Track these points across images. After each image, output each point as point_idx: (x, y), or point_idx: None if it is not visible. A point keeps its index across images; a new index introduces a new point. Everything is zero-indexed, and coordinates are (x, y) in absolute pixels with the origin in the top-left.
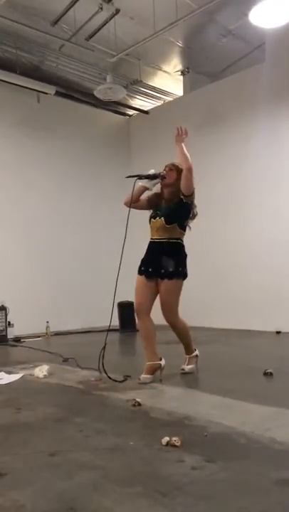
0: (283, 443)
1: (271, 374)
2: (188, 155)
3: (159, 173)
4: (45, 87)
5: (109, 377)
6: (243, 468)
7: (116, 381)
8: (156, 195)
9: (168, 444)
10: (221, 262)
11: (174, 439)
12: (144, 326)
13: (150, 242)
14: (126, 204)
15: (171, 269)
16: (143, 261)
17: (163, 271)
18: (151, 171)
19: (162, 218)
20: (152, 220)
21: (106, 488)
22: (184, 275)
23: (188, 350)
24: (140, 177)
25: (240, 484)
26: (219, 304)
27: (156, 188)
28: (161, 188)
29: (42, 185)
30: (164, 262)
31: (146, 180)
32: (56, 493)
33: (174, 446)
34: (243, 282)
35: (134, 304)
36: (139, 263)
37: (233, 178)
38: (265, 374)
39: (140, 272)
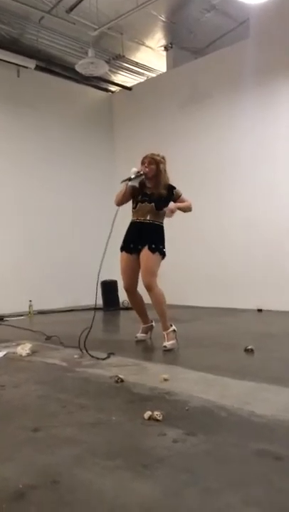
0: (262, 416)
1: (252, 350)
2: (184, 204)
3: (141, 172)
4: (25, 61)
5: (92, 356)
6: (223, 441)
7: (99, 359)
8: (136, 189)
9: (150, 418)
10: (203, 241)
11: (155, 413)
12: (135, 301)
13: (136, 222)
14: (118, 205)
15: (154, 245)
16: (126, 239)
17: (147, 244)
18: (134, 170)
19: (152, 204)
20: (140, 204)
21: (89, 461)
22: (164, 254)
23: (165, 325)
24: (130, 179)
25: (220, 456)
26: (201, 283)
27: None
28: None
29: (22, 162)
30: (150, 237)
31: (133, 180)
32: (39, 467)
33: (156, 420)
34: (225, 261)
35: (123, 283)
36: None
37: (217, 155)
38: (246, 351)
39: (123, 249)
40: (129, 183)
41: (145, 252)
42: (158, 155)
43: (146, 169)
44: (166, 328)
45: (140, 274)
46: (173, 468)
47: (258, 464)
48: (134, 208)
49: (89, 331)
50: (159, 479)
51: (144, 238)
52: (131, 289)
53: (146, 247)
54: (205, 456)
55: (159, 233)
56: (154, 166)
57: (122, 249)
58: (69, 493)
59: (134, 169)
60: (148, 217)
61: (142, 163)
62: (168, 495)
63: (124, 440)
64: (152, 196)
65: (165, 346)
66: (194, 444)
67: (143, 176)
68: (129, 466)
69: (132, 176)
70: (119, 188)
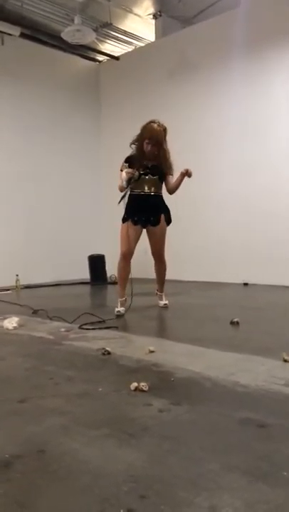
0: (246, 386)
1: (238, 323)
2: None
3: (136, 174)
4: (10, 28)
5: (103, 320)
6: (208, 410)
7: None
8: (135, 158)
9: (136, 389)
10: (190, 214)
11: (141, 384)
12: (127, 269)
13: (140, 195)
14: (122, 191)
15: (167, 217)
16: (131, 211)
17: (163, 216)
18: (124, 177)
19: (156, 177)
20: (144, 176)
21: (75, 431)
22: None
23: (163, 288)
24: (124, 197)
25: (205, 425)
26: (187, 257)
27: (132, 151)
28: (142, 150)
29: (6, 133)
30: (161, 210)
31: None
32: (25, 436)
33: (142, 391)
34: (212, 235)
35: (123, 248)
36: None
37: (206, 127)
38: (232, 323)
39: (127, 220)
40: (125, 190)
41: (160, 228)
42: (162, 128)
43: (132, 173)
44: (163, 291)
45: (153, 245)
46: (158, 436)
47: (241, 432)
48: (136, 180)
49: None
50: (143, 448)
51: (155, 211)
52: (129, 256)
53: (162, 219)
54: (189, 425)
55: (165, 204)
56: (156, 148)
57: (126, 220)
58: (54, 462)
59: (124, 175)
60: (153, 190)
61: (147, 143)
62: (152, 462)
63: (110, 410)
64: (154, 169)
65: (166, 304)
66: (179, 413)
67: (135, 175)
68: (114, 435)
69: (124, 182)
70: (119, 179)
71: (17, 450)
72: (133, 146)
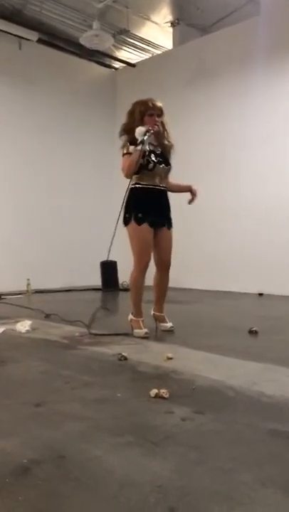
0: (272, 396)
1: (256, 332)
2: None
3: (152, 131)
4: (28, 33)
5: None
6: (233, 420)
7: (118, 335)
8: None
9: (156, 396)
10: (204, 223)
11: (162, 391)
12: (143, 282)
13: (154, 189)
14: (130, 176)
15: (171, 221)
16: (146, 210)
17: (168, 219)
18: (142, 130)
19: (169, 167)
20: (158, 166)
21: (95, 437)
22: None
23: (163, 307)
24: (143, 142)
25: (231, 435)
26: (200, 266)
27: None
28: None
29: (18, 138)
30: (169, 210)
31: (145, 142)
32: (44, 442)
33: (163, 398)
34: (225, 244)
35: (144, 258)
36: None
37: (222, 136)
38: (251, 332)
39: (144, 220)
40: (141, 148)
41: (169, 233)
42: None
43: (156, 125)
44: (164, 310)
45: (162, 252)
46: (183, 446)
47: (270, 444)
48: (150, 169)
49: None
50: (169, 457)
51: (166, 211)
52: (147, 267)
53: (169, 227)
54: (215, 435)
55: (169, 203)
56: (160, 125)
57: (141, 221)
58: (76, 469)
59: (142, 128)
60: (164, 183)
61: (150, 115)
62: (180, 473)
63: (130, 417)
64: (164, 156)
65: (172, 327)
66: (203, 422)
67: (152, 135)
68: (137, 443)
69: (145, 138)
70: (123, 158)
71: (36, 455)
72: (123, 137)
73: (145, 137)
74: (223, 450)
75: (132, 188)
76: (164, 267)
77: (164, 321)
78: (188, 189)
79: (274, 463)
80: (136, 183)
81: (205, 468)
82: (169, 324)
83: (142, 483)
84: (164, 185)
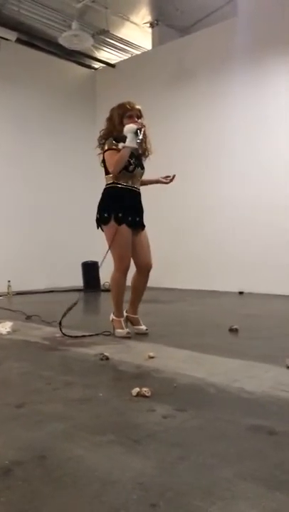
0: (252, 393)
1: (236, 330)
2: None
3: (143, 130)
4: (6, 33)
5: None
6: (214, 416)
7: (85, 336)
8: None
9: (138, 394)
10: (184, 223)
11: (143, 389)
12: (124, 282)
13: (131, 190)
14: (116, 172)
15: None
16: (126, 210)
17: (141, 220)
18: (133, 127)
19: (143, 170)
20: (137, 168)
21: (77, 437)
22: None
23: (138, 308)
24: (140, 140)
25: (212, 431)
26: (181, 265)
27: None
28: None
29: (1, 138)
30: (142, 212)
31: (130, 142)
32: (25, 442)
33: (144, 396)
34: (206, 244)
35: (125, 260)
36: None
37: (202, 135)
38: (231, 330)
39: (126, 222)
40: (130, 145)
41: (144, 233)
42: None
43: (141, 124)
44: (138, 312)
45: (142, 254)
46: (165, 443)
47: (251, 439)
48: (131, 170)
49: (71, 307)
50: (151, 454)
51: (140, 212)
52: (128, 270)
53: (143, 228)
54: (196, 431)
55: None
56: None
57: (122, 221)
58: (58, 468)
59: (133, 125)
60: (138, 185)
61: (130, 116)
62: (161, 470)
63: (112, 416)
64: (139, 159)
65: (147, 329)
66: (185, 419)
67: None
68: (119, 441)
69: (140, 136)
70: (108, 153)
71: (17, 456)
72: (99, 147)
73: (140, 136)
74: (204, 446)
75: (109, 187)
76: (145, 270)
77: (138, 323)
78: (157, 181)
79: (255, 458)
80: (114, 183)
81: (186, 464)
82: (143, 327)
83: (123, 481)
84: (138, 187)
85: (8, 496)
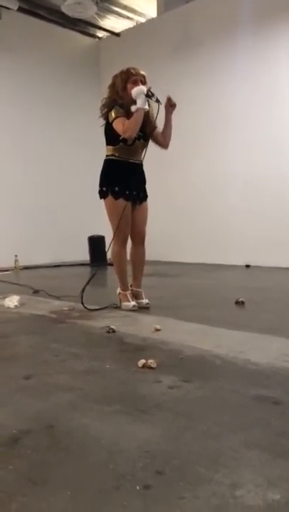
0: (258, 364)
1: (243, 303)
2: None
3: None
4: (8, 2)
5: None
6: (220, 387)
7: (96, 310)
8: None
9: (144, 366)
10: (190, 197)
11: (150, 361)
12: (125, 255)
13: (129, 163)
14: (133, 135)
15: (146, 190)
16: (123, 184)
17: (144, 191)
18: (143, 89)
19: (146, 142)
20: (137, 141)
21: (84, 407)
22: None
23: (140, 283)
24: (154, 97)
25: (217, 401)
26: (187, 239)
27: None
28: (131, 98)
29: (2, 110)
30: (144, 183)
31: (143, 104)
32: (34, 412)
33: (150, 368)
34: (213, 217)
35: (123, 232)
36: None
37: (210, 106)
38: (237, 303)
39: (124, 196)
40: (144, 107)
41: (145, 206)
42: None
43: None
44: (141, 286)
45: (135, 224)
46: (171, 412)
47: (256, 409)
48: (130, 144)
49: (88, 283)
50: (157, 424)
51: (141, 184)
52: (126, 242)
53: (145, 200)
54: (202, 401)
55: (145, 176)
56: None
57: (119, 194)
58: (65, 437)
59: (143, 87)
60: (140, 158)
61: (134, 81)
62: (167, 438)
63: (119, 386)
64: (144, 130)
65: (148, 303)
66: (190, 390)
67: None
68: (126, 411)
69: (155, 96)
70: (117, 121)
71: (25, 426)
72: (102, 117)
73: (154, 96)
74: (209, 416)
75: (107, 160)
76: (139, 238)
77: (140, 297)
78: (170, 113)
79: (259, 427)
80: (112, 155)
81: (192, 433)
82: (144, 301)
83: (130, 449)
84: (139, 160)
85: (16, 464)
